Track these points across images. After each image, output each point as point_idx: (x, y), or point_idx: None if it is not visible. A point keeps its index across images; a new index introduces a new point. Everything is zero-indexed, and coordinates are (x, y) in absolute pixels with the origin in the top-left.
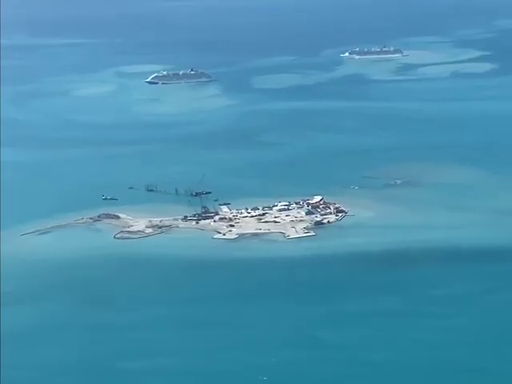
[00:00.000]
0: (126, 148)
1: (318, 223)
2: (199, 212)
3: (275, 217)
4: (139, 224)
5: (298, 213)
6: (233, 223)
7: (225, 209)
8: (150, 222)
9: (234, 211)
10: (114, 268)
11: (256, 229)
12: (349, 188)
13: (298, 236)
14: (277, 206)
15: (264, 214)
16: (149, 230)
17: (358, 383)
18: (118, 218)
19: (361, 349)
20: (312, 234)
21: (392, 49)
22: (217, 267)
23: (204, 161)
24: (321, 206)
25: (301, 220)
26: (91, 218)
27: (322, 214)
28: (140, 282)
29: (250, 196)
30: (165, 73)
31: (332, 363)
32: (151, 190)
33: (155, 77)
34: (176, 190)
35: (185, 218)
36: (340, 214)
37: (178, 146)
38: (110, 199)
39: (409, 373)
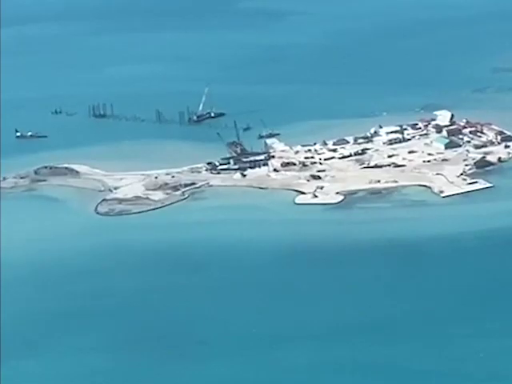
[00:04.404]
0: None
1: (482, 163)
2: (232, 154)
3: (389, 156)
4: (129, 183)
5: (428, 145)
6: (315, 173)
7: (276, 144)
8: (150, 177)
9: (299, 148)
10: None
11: (369, 181)
12: (485, 92)
13: (459, 191)
14: (379, 133)
15: (364, 152)
16: (158, 195)
17: None
18: (78, 173)
19: None
20: (483, 184)
21: None
22: (339, 259)
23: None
24: (465, 130)
25: (444, 159)
26: (23, 177)
27: (477, 146)
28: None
29: (307, 116)
30: None
31: None
32: (102, 116)
33: None
34: (158, 114)
35: (214, 168)
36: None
37: None
38: (32, 137)
39: None
